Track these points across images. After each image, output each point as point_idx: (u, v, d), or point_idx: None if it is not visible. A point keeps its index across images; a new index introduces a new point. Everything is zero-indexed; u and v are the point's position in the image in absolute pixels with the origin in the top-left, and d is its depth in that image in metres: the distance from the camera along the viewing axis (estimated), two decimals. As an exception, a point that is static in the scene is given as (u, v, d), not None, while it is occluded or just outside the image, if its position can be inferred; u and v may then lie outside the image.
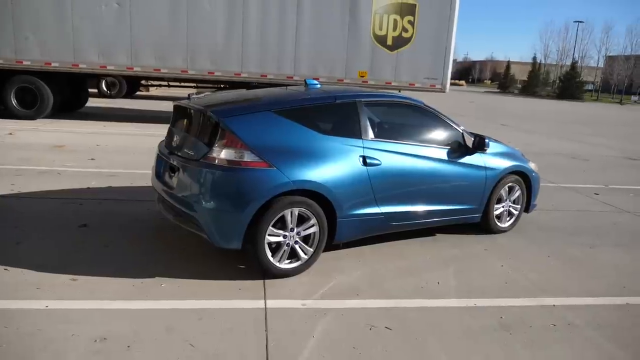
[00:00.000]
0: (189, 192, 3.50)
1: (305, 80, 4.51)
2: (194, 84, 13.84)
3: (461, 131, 4.48)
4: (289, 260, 3.57)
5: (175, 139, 3.95)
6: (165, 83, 14.02)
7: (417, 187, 4.17)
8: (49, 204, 4.92)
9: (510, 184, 4.84)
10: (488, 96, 51.06)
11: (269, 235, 3.42)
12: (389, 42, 11.56)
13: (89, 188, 5.58)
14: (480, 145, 4.45)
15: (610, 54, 69.89)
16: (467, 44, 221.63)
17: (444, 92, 12.08)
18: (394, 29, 11.50)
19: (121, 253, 3.82)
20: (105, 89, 17.04)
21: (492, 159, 4.63)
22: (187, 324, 2.86)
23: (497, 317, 3.19)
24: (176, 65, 11.05)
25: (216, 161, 3.37)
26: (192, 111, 3.91)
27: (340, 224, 3.71)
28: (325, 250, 3.77)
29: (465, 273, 3.91)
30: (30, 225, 4.27)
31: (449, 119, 4.52)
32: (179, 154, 3.73)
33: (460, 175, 4.42)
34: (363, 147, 3.84)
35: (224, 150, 3.38)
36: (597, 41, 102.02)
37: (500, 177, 4.71)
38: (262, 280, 3.48)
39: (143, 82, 15.72)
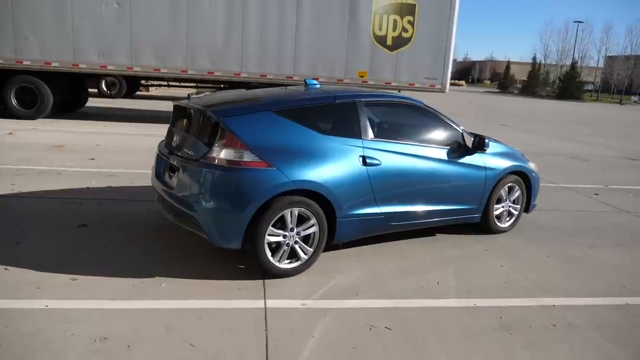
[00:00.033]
0: (189, 191, 3.50)
1: (305, 80, 4.51)
2: (194, 84, 13.84)
3: (461, 131, 4.48)
4: (289, 260, 3.57)
5: (175, 138, 3.95)
6: (165, 83, 14.03)
7: (417, 187, 4.17)
8: (48, 203, 4.92)
9: (510, 184, 4.84)
10: (488, 96, 51.07)
11: (269, 235, 3.42)
12: (389, 42, 11.56)
13: (88, 188, 5.58)
14: (480, 145, 4.45)
15: (610, 54, 69.97)
16: (467, 44, 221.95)
17: (443, 92, 12.08)
18: (394, 29, 11.50)
19: (121, 253, 3.82)
20: (105, 88, 17.03)
21: (491, 159, 4.63)
22: (187, 323, 2.86)
23: (497, 317, 3.19)
24: (176, 65, 11.05)
25: (216, 161, 3.37)
26: (191, 111, 3.91)
27: (340, 224, 3.71)
28: (325, 250, 3.77)
29: (465, 273, 3.91)
30: (30, 225, 4.27)
31: (448, 119, 4.52)
32: (179, 153, 3.73)
33: (460, 175, 4.42)
34: (363, 147, 3.84)
35: (223, 150, 3.38)
36: (597, 41, 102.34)
37: (500, 177, 4.71)
38: (262, 280, 3.48)
39: (143, 82, 15.73)
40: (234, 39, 11.07)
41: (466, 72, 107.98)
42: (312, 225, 3.59)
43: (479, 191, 4.59)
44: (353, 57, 11.54)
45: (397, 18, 11.45)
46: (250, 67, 11.27)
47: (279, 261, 3.51)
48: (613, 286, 3.85)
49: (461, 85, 79.76)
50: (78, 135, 9.17)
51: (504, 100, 44.64)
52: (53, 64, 10.55)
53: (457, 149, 4.43)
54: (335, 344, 2.76)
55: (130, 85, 17.22)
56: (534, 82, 68.41)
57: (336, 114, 3.94)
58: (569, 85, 59.73)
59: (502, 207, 4.87)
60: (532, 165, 5.11)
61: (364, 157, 3.81)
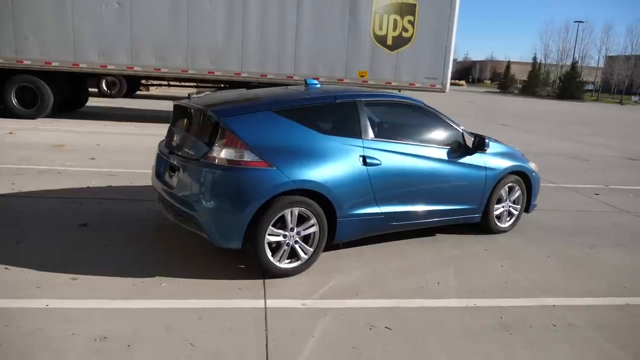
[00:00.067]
0: (189, 191, 3.50)
1: (305, 80, 4.52)
2: (194, 84, 13.85)
3: (461, 131, 4.48)
4: (289, 260, 3.57)
5: (175, 138, 3.95)
6: (166, 83, 14.02)
7: (417, 187, 4.17)
8: (49, 203, 4.92)
9: (510, 184, 4.84)
10: (488, 96, 51.06)
11: (269, 235, 3.42)
12: (389, 42, 11.56)
13: (89, 187, 5.58)
14: (480, 145, 4.45)
15: (611, 54, 69.95)
16: (467, 43, 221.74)
17: (444, 92, 12.08)
18: (394, 28, 11.50)
19: (121, 252, 3.82)
20: (105, 88, 17.03)
21: (492, 159, 4.63)
22: (187, 323, 2.86)
23: (497, 317, 3.19)
24: (176, 64, 11.05)
25: (216, 161, 3.37)
26: (192, 111, 3.91)
27: (341, 224, 3.71)
28: (325, 250, 3.77)
29: (465, 273, 3.91)
30: (30, 224, 4.27)
31: (449, 118, 4.52)
32: (179, 153, 3.73)
33: (460, 175, 4.42)
34: (363, 147, 3.84)
35: (224, 150, 3.38)
36: (597, 41, 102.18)
37: (500, 177, 4.71)
38: (262, 280, 3.48)
39: (143, 81, 15.72)
40: (234, 38, 11.07)
41: (466, 72, 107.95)
42: (313, 225, 3.59)
43: (479, 191, 4.59)
44: (353, 57, 11.54)
45: (398, 18, 11.45)
46: (251, 66, 11.27)
47: (279, 261, 3.51)
48: (613, 286, 3.84)
49: (461, 85, 79.74)
50: (78, 134, 9.17)
51: (504, 100, 44.63)
52: (53, 64, 10.55)
53: (458, 149, 4.43)
54: (336, 344, 2.76)
55: (131, 84, 17.22)
56: (535, 82, 68.41)
57: (336, 114, 3.94)
58: (569, 85, 59.71)
59: (503, 207, 4.87)
60: (532, 165, 5.11)
61: (364, 157, 3.81)
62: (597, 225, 5.54)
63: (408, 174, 4.10)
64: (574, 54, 68.83)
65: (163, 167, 3.94)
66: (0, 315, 2.80)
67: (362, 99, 4.02)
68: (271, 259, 3.47)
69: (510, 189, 4.88)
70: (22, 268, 3.40)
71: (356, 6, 11.30)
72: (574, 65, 63.13)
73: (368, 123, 3.97)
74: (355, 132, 3.87)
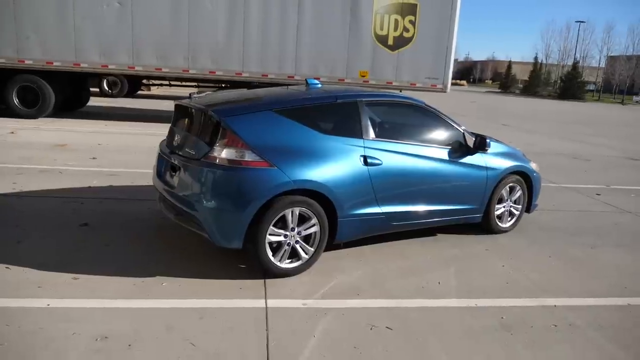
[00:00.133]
0: (190, 191, 3.50)
1: (306, 80, 4.51)
2: (195, 84, 13.84)
3: (462, 131, 4.48)
4: (290, 260, 3.57)
5: (176, 138, 3.95)
6: (167, 82, 14.02)
7: (418, 187, 4.17)
8: (50, 202, 4.93)
9: (511, 184, 4.83)
10: (489, 96, 51.02)
11: (270, 234, 3.42)
12: (390, 42, 11.55)
13: (90, 187, 5.59)
14: (481, 145, 4.44)
15: (612, 54, 69.91)
16: (469, 43, 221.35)
17: (445, 92, 12.07)
18: (395, 28, 11.49)
19: (122, 252, 3.82)
20: (106, 88, 17.06)
21: (493, 159, 4.63)
22: (188, 323, 2.86)
23: (498, 317, 3.18)
24: (177, 64, 11.05)
25: (217, 160, 3.37)
26: (193, 110, 3.91)
27: (341, 224, 3.71)
28: (326, 250, 3.77)
29: (466, 273, 3.91)
30: (31, 224, 4.27)
31: (450, 118, 4.52)
32: (180, 153, 3.73)
33: (461, 175, 4.42)
34: (364, 147, 3.84)
35: (225, 150, 3.38)
36: (598, 41, 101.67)
37: (502, 177, 4.70)
38: (262, 280, 3.48)
39: (144, 81, 15.75)
40: (235, 38, 11.07)
41: (467, 72, 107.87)
42: (313, 225, 3.59)
43: (480, 191, 4.58)
44: (354, 57, 11.53)
45: (399, 18, 11.44)
46: (252, 66, 11.27)
47: (280, 261, 3.51)
48: (615, 286, 3.84)
49: (462, 85, 79.73)
50: (79, 134, 9.18)
51: (506, 100, 44.60)
52: (55, 64, 10.56)
53: (459, 149, 4.43)
54: (336, 344, 2.76)
55: (132, 84, 17.23)
56: (536, 82, 68.36)
57: (337, 114, 3.94)
58: (570, 85, 59.68)
59: (504, 207, 4.87)
60: (533, 165, 5.10)
61: (365, 157, 3.80)
62: (599, 225, 5.53)
63: (409, 174, 4.10)
64: (575, 53, 68.91)
65: (164, 166, 3.95)
66: (1, 315, 2.80)
67: (363, 99, 4.02)
68: (272, 258, 3.46)
69: (512, 189, 4.88)
70: (23, 267, 3.40)
71: (357, 6, 11.29)
72: (575, 65, 63.11)
73: (369, 123, 3.96)
74: (356, 132, 3.87)
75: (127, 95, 17.43)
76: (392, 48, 11.58)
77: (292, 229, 3.51)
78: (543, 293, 3.61)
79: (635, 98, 61.21)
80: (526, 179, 4.97)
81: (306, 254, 3.61)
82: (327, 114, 3.93)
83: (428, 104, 4.47)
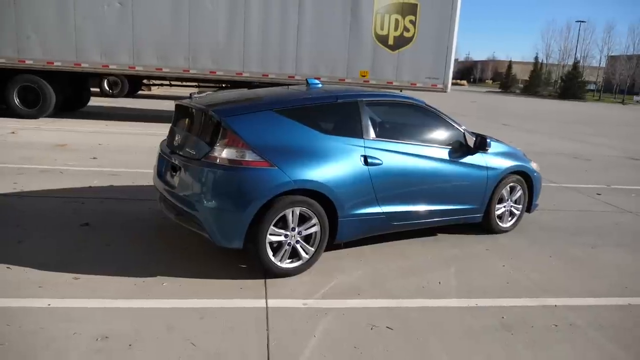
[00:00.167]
0: (191, 191, 3.50)
1: (306, 80, 4.51)
2: (196, 84, 13.85)
3: (462, 131, 4.48)
4: (290, 260, 3.57)
5: (177, 138, 3.96)
6: (167, 82, 14.03)
7: (419, 187, 4.17)
8: (50, 202, 4.93)
9: (511, 183, 4.83)
10: (490, 96, 51.00)
11: (271, 234, 3.43)
12: (391, 41, 11.55)
13: (90, 187, 5.59)
14: (481, 145, 4.44)
15: (613, 54, 69.85)
16: (469, 43, 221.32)
17: (445, 91, 12.07)
18: (396, 28, 11.49)
19: (123, 252, 3.82)
20: (107, 88, 17.07)
21: (493, 159, 4.63)
22: (189, 323, 2.86)
23: (499, 317, 3.18)
24: (178, 64, 11.06)
25: (217, 160, 3.37)
26: (193, 110, 3.92)
27: (342, 224, 3.71)
28: (326, 250, 3.77)
29: (466, 273, 3.91)
30: (32, 224, 4.28)
31: (450, 118, 4.52)
32: (181, 153, 3.74)
33: (461, 175, 4.42)
34: (364, 147, 3.84)
35: (225, 150, 3.39)
36: (599, 41, 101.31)
37: (502, 177, 4.70)
38: (263, 280, 3.48)
39: (145, 81, 15.74)
40: (236, 38, 11.08)
41: (468, 72, 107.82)
42: (314, 225, 3.59)
43: (481, 191, 4.58)
44: (355, 57, 11.53)
45: (399, 18, 11.44)
46: (252, 66, 11.27)
47: (280, 261, 3.51)
48: (615, 286, 3.84)
49: (463, 85, 79.70)
50: (80, 134, 9.19)
51: (506, 100, 44.58)
52: (55, 64, 10.57)
53: (459, 149, 4.43)
54: (337, 344, 2.76)
55: (132, 84, 17.24)
56: (536, 82, 68.33)
57: (338, 114, 3.94)
58: (571, 85, 59.65)
59: (504, 207, 4.86)
60: (534, 165, 5.10)
61: (365, 157, 3.81)
62: (599, 225, 5.53)
63: (409, 173, 4.10)
64: (575, 53, 68.84)
65: (165, 166, 3.95)
66: (2, 315, 2.81)
67: (364, 99, 4.02)
68: (272, 258, 3.47)
69: (512, 189, 4.88)
70: (24, 267, 3.40)
71: (358, 6, 11.30)
72: (575, 65, 63.07)
73: (369, 123, 3.96)
74: (357, 132, 3.87)
75: (127, 95, 17.45)
76: (393, 48, 11.58)
77: (293, 229, 3.51)
78: (544, 293, 3.61)
79: (635, 98, 61.17)
80: (527, 179, 4.97)
81: (307, 253, 3.61)
82: (327, 113, 3.93)
83: (428, 104, 4.46)
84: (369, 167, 3.80)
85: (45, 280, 3.25)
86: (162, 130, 6.80)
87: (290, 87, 4.84)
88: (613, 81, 65.58)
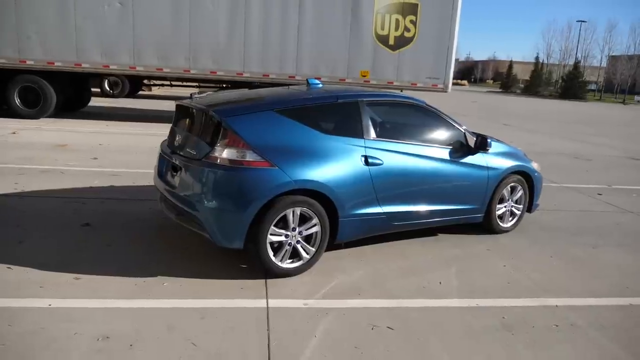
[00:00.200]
0: (191, 191, 3.50)
1: (307, 80, 4.51)
2: (197, 84, 13.86)
3: (463, 131, 4.47)
4: (291, 260, 3.57)
5: (177, 138, 3.96)
6: (168, 82, 14.04)
7: (419, 187, 4.16)
8: (51, 202, 4.93)
9: (512, 183, 4.83)
10: (490, 96, 50.98)
11: (271, 234, 3.43)
12: (391, 41, 11.55)
13: (91, 187, 5.60)
14: (482, 145, 4.44)
15: (613, 54, 69.81)
16: (470, 43, 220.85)
17: (446, 91, 12.07)
18: (396, 28, 11.49)
19: (123, 252, 3.82)
20: (107, 88, 17.07)
21: (494, 159, 4.63)
22: (189, 323, 2.86)
23: (500, 317, 3.18)
24: (178, 64, 11.07)
25: (218, 160, 3.37)
26: (194, 111, 3.92)
27: (342, 224, 3.71)
28: (326, 250, 3.77)
29: (467, 273, 3.91)
30: (32, 224, 4.28)
31: (451, 118, 4.52)
32: (181, 153, 3.74)
33: (462, 175, 4.42)
34: (365, 147, 3.84)
35: (226, 150, 3.39)
36: (600, 40, 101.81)
37: (503, 177, 4.70)
38: (264, 280, 3.48)
39: (145, 81, 15.74)
40: (236, 38, 11.08)
41: (468, 72, 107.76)
42: (314, 225, 3.59)
43: (482, 191, 4.58)
44: (355, 57, 11.53)
45: (400, 18, 11.44)
46: (253, 66, 11.28)
47: (281, 261, 3.51)
48: (616, 286, 3.84)
49: (463, 85, 79.66)
50: (81, 134, 9.19)
51: (507, 100, 44.56)
52: (56, 64, 10.58)
53: (460, 149, 4.42)
54: (337, 344, 2.76)
55: (133, 84, 17.23)
56: (537, 82, 68.27)
57: (338, 114, 3.94)
58: (571, 85, 59.62)
59: (505, 207, 4.86)
60: (534, 165, 5.10)
61: (366, 157, 3.80)
62: (600, 225, 5.53)
63: (410, 173, 4.09)
64: (576, 53, 68.81)
65: (165, 167, 3.95)
66: (2, 315, 2.81)
67: (364, 99, 4.02)
68: (273, 258, 3.47)
69: (513, 189, 4.87)
70: (24, 267, 3.41)
71: (358, 6, 11.30)
72: (576, 65, 63.03)
73: (370, 123, 3.96)
74: (357, 132, 3.87)
75: (128, 96, 17.45)
76: (393, 48, 11.58)
77: (293, 229, 3.51)
78: (544, 293, 3.61)
79: (636, 98, 61.07)
80: (527, 179, 4.96)
81: (307, 254, 3.61)
82: (328, 113, 3.93)
83: (429, 104, 4.46)
84: (370, 167, 3.80)
85: (45, 280, 3.25)
86: (162, 130, 6.80)
87: (290, 87, 4.84)
88: (614, 81, 65.53)
